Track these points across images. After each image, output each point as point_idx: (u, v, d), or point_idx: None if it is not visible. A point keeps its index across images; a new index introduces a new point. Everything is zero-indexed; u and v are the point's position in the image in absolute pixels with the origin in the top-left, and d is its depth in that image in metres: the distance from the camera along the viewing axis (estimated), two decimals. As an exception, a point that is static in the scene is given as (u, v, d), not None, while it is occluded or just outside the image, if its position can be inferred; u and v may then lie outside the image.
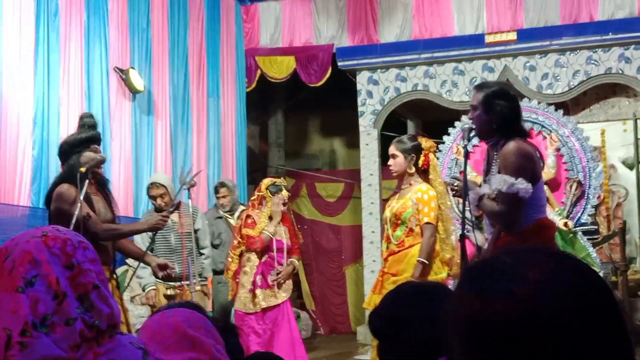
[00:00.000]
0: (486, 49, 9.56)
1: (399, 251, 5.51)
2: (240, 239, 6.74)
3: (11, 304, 1.43)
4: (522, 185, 3.94)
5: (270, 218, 6.69)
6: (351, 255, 12.13)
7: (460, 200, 4.50)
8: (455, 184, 4.37)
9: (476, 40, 9.61)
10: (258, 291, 6.58)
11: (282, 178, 7.51)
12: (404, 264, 5.45)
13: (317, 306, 12.22)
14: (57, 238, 1.48)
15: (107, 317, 1.48)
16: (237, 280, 6.79)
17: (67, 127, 7.56)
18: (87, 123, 5.06)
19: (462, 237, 4.37)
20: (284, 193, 6.76)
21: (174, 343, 1.86)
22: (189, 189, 6.55)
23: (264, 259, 6.67)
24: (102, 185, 5.11)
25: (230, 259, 6.86)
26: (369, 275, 9.71)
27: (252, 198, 7.04)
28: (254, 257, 6.68)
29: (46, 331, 1.40)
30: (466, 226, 4.40)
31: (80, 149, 4.89)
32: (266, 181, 6.89)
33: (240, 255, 6.78)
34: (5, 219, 6.76)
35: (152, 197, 6.85)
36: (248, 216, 6.76)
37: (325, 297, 12.27)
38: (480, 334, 0.98)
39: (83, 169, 4.73)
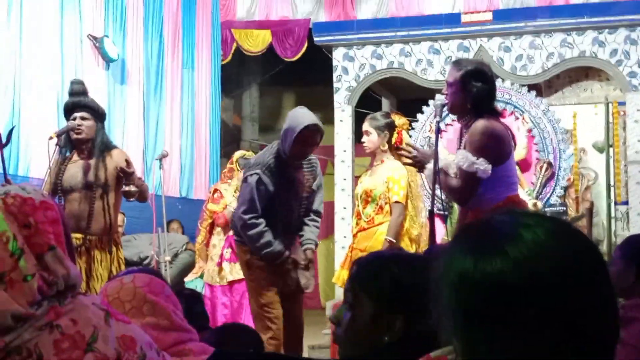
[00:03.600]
0: (462, 29, 9.57)
1: (369, 228, 5.57)
2: (207, 212, 6.74)
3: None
4: (482, 166, 3.94)
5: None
6: (322, 231, 12.12)
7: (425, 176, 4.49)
8: (414, 154, 4.30)
9: (452, 19, 9.62)
10: (225, 264, 6.59)
11: (252, 153, 7.46)
12: (372, 240, 5.50)
13: (287, 281, 12.26)
14: (17, 197, 1.49)
15: (62, 278, 1.49)
16: (207, 252, 6.80)
17: (39, 96, 7.49)
18: (71, 90, 5.04)
19: (431, 214, 4.39)
20: None
21: (133, 308, 1.87)
22: (160, 160, 6.53)
23: (231, 232, 6.65)
24: (90, 152, 4.83)
25: (198, 232, 6.87)
26: (340, 251, 9.73)
27: (223, 170, 7.03)
28: (222, 230, 6.67)
29: (4, 287, 1.41)
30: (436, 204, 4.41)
31: (68, 117, 4.90)
32: (237, 154, 6.89)
33: (211, 227, 6.78)
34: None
35: None
36: (215, 190, 6.75)
37: (295, 272, 12.30)
38: (471, 292, 0.98)
39: (53, 136, 4.75)
